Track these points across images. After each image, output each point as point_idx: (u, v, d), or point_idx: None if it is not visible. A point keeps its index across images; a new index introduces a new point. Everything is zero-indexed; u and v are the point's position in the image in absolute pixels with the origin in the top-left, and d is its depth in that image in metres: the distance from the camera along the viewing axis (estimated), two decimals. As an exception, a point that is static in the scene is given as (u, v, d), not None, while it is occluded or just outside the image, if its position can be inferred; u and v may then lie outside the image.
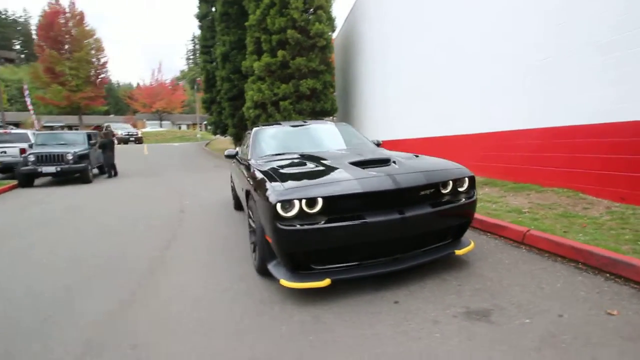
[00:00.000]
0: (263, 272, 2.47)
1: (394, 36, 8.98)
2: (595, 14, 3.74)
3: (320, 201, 2.04)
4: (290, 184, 2.12)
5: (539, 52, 4.44)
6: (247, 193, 2.78)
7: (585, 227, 3.01)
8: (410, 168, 2.36)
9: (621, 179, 3.51)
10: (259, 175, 2.43)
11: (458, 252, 2.41)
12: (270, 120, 12.02)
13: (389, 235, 2.13)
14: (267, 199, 2.07)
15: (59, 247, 3.61)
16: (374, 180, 2.15)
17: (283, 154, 3.24)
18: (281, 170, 2.42)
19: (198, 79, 40.51)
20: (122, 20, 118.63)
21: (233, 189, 5.11)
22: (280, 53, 11.45)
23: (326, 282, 2.02)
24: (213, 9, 16.39)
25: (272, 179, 2.22)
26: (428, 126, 7.18)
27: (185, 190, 7.16)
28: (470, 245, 2.49)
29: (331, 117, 13.26)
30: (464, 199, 2.39)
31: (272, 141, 3.55)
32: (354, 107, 12.44)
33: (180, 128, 38.67)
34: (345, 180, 2.13)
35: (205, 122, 43.40)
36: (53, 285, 2.60)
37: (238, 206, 4.88)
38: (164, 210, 5.21)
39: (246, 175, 2.94)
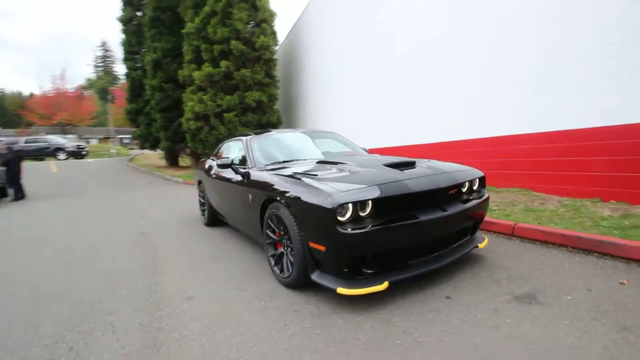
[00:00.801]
0: (297, 285, 2.34)
1: (342, 51, 9.42)
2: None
3: (370, 203, 2.03)
4: (342, 186, 2.06)
5: (494, 71, 5.14)
6: (266, 202, 2.61)
7: (552, 218, 3.53)
8: (438, 169, 2.50)
9: (566, 178, 4.21)
10: (294, 182, 2.31)
11: (480, 246, 2.61)
12: (213, 133, 11.45)
13: (436, 233, 2.22)
14: (319, 204, 1.98)
15: (17, 284, 2.87)
16: (420, 180, 2.22)
17: (291, 160, 3.14)
18: (320, 175, 2.34)
19: (112, 88, 36.49)
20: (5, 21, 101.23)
21: (204, 204, 4.71)
22: (223, 63, 11.08)
23: (385, 285, 2.00)
24: (139, 14, 15.09)
25: (319, 184, 2.14)
26: (382, 137, 7.65)
27: (130, 211, 6.33)
28: (485, 240, 2.72)
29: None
30: (481, 197, 2.61)
31: (271, 149, 3.40)
32: (299, 120, 12.56)
33: (89, 142, 34.04)
34: (396, 182, 2.16)
35: (122, 136, 39.10)
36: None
37: (213, 222, 4.50)
38: (121, 234, 4.53)
39: (258, 185, 2.76)
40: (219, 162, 3.28)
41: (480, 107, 5.32)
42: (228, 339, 1.85)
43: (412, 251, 2.19)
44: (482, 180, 2.74)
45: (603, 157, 3.82)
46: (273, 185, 2.51)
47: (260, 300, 2.28)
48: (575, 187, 4.14)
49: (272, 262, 2.61)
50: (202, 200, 4.87)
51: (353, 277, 2.06)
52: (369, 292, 1.98)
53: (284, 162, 3.12)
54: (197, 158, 16.77)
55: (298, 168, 2.70)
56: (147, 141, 15.83)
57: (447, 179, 2.36)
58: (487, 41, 5.11)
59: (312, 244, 2.11)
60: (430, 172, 2.38)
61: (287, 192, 2.30)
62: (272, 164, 3.09)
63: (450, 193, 2.39)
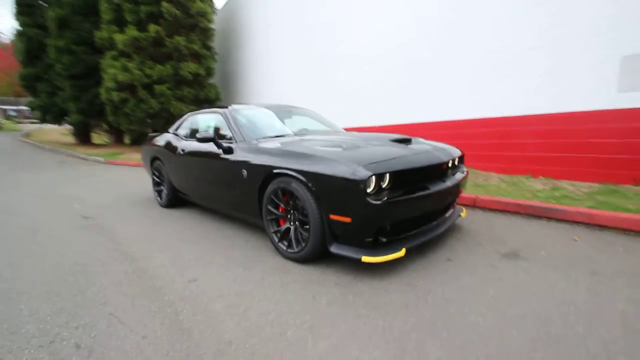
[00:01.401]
0: (310, 259, 2.34)
1: (288, 28, 9.13)
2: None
3: (388, 176, 2.13)
4: (364, 159, 2.10)
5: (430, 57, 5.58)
6: (268, 178, 2.52)
7: (497, 191, 4.11)
8: (434, 146, 2.70)
9: (503, 158, 4.90)
10: (311, 156, 2.26)
11: (462, 214, 2.94)
12: (142, 106, 10.27)
13: (441, 203, 2.43)
14: (346, 176, 2.00)
15: None
16: (426, 155, 2.40)
17: (282, 135, 3.04)
18: (336, 149, 2.34)
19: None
20: None
21: (160, 184, 4.29)
22: (152, 28, 9.89)
23: (403, 251, 2.14)
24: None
25: (342, 157, 2.14)
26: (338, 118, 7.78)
27: (52, 195, 5.42)
28: (464, 210, 3.06)
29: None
30: (463, 172, 2.91)
31: (256, 123, 3.22)
32: (239, 98, 11.91)
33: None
34: (408, 156, 2.28)
35: (5, 107, 32.18)
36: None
37: (172, 203, 4.14)
38: (57, 220, 3.87)
39: (256, 160, 2.63)
40: (199, 135, 3.01)
41: (427, 95, 5.78)
42: (263, 315, 1.79)
43: (420, 220, 2.37)
44: (462, 158, 3.05)
45: (536, 140, 4.53)
46: (281, 159, 2.42)
47: (273, 277, 2.24)
48: (510, 166, 4.85)
49: (276, 239, 2.55)
50: (157, 180, 4.41)
51: (373, 246, 2.15)
52: (390, 259, 2.09)
53: (276, 136, 3.01)
54: (117, 134, 14.88)
55: (306, 142, 2.64)
56: (50, 113, 13.40)
57: (445, 154, 2.58)
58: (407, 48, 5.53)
59: (333, 217, 2.13)
60: (429, 148, 2.57)
61: (303, 166, 2.24)
62: (264, 138, 2.96)
63: (443, 167, 2.62)
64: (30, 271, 2.47)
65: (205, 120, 3.66)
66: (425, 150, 2.47)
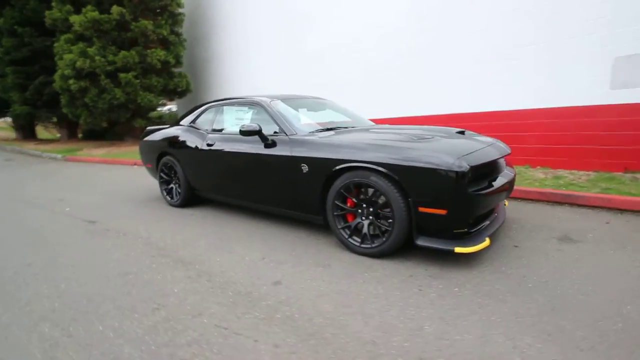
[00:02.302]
0: (390, 253, 2.33)
1: (271, 16, 8.80)
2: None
3: (477, 168, 2.17)
4: (455, 151, 2.13)
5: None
6: (337, 172, 2.44)
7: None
8: (492, 139, 2.81)
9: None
10: (401, 148, 2.22)
11: (505, 204, 3.11)
12: (105, 97, 9.36)
13: (507, 194, 2.55)
14: (446, 168, 2.01)
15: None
16: (496, 147, 2.50)
17: (336, 128, 2.96)
18: (421, 141, 2.33)
19: None
20: None
21: (169, 182, 3.99)
22: (115, 9, 9.04)
23: (488, 241, 2.20)
24: None
25: (435, 149, 2.14)
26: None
27: (24, 197, 4.77)
28: (506, 201, 3.24)
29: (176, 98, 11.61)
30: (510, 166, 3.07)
31: (300, 115, 3.10)
32: (211, 89, 11.28)
33: None
34: (484, 149, 2.35)
35: None
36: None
37: (186, 202, 3.86)
38: (59, 226, 3.42)
39: (321, 154, 2.52)
40: (244, 128, 2.82)
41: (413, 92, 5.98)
42: (383, 312, 1.75)
43: (491, 210, 2.47)
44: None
45: (534, 133, 4.91)
46: (355, 152, 2.35)
47: (361, 273, 2.18)
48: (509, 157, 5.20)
49: (345, 235, 2.49)
50: (165, 178, 4.06)
51: (460, 237, 2.19)
52: (480, 248, 2.15)
53: (329, 129, 2.91)
54: (70, 128, 13.34)
55: (373, 134, 2.59)
56: (-17, 103, 11.63)
57: (505, 148, 2.70)
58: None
59: (424, 209, 2.12)
60: (492, 141, 2.67)
61: (391, 159, 2.19)
62: (318, 131, 2.85)
63: (505, 160, 2.75)
64: (78, 288, 2.16)
65: (235, 112, 3.43)
66: (491, 143, 2.57)
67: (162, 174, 4.07)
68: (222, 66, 10.64)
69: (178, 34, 10.62)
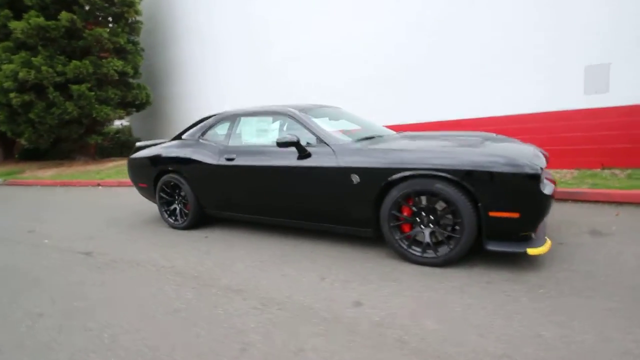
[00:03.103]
0: (456, 260, 2.30)
1: (238, 23, 8.54)
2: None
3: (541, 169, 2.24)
4: (523, 155, 2.18)
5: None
6: (395, 181, 2.36)
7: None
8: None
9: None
10: (470, 152, 2.23)
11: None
12: (54, 111, 8.37)
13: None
14: (520, 171, 2.03)
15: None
16: (541, 150, 2.60)
17: (373, 137, 2.89)
18: (477, 147, 2.34)
19: None
20: None
21: (171, 203, 3.62)
22: (65, 15, 8.20)
23: (549, 242, 2.26)
24: None
25: (502, 154, 2.16)
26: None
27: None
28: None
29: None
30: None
31: (336, 125, 2.99)
32: (173, 99, 10.60)
33: None
34: (535, 150, 2.45)
35: None
36: None
37: (194, 223, 3.51)
38: (51, 264, 2.90)
39: (375, 163, 2.44)
40: (280, 140, 2.64)
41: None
42: (489, 323, 1.69)
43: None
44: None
45: (519, 136, 5.28)
46: (422, 159, 2.28)
47: (437, 284, 2.11)
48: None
49: (404, 245, 2.41)
50: (166, 198, 3.65)
51: (525, 240, 2.23)
52: (548, 248, 2.20)
53: (367, 138, 2.84)
54: (6, 148, 11.61)
55: (417, 142, 2.57)
56: None
57: (544, 152, 2.85)
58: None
59: (495, 214, 2.13)
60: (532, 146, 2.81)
61: (458, 165, 2.16)
62: (360, 140, 2.77)
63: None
64: (128, 335, 1.80)
65: (256, 123, 3.21)
66: (533, 147, 2.69)
67: (162, 194, 3.66)
68: (184, 76, 10.06)
69: (135, 43, 9.88)
